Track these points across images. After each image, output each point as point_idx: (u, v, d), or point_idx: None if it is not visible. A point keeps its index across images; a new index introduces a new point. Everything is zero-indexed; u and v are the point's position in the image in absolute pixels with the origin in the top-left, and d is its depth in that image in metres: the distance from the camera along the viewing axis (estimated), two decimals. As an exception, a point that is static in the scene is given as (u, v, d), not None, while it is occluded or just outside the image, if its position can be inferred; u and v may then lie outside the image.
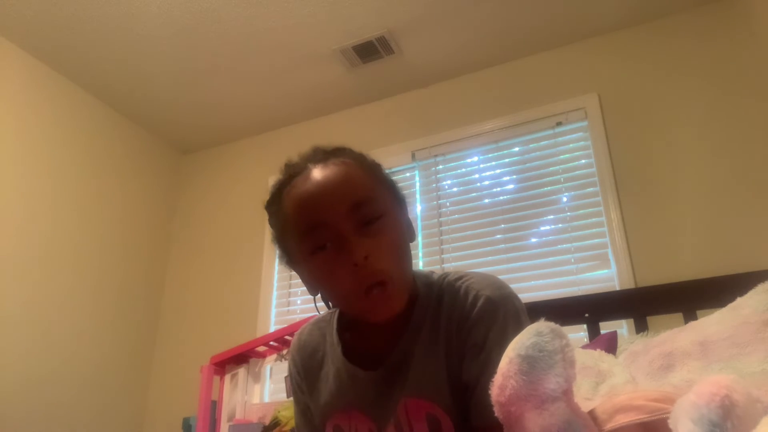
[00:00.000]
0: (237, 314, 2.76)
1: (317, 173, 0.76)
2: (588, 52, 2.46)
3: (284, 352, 2.00)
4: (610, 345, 1.52)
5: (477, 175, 2.53)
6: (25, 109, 2.46)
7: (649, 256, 2.06)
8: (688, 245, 2.01)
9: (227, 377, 2.05)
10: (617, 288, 2.05)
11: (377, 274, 0.71)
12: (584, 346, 1.54)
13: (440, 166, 2.62)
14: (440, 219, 2.51)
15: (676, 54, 2.28)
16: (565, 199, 2.30)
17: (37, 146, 2.49)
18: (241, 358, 2.04)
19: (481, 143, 2.55)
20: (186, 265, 3.05)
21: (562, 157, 2.37)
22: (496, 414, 0.58)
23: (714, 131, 2.11)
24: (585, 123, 2.36)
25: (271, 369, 2.42)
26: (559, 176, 2.34)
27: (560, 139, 2.40)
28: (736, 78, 2.13)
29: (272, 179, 0.85)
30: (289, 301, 2.71)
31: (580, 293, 2.08)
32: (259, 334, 2.54)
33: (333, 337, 0.88)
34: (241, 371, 2.02)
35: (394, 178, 0.87)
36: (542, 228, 2.31)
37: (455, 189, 2.56)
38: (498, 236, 2.37)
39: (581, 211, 2.25)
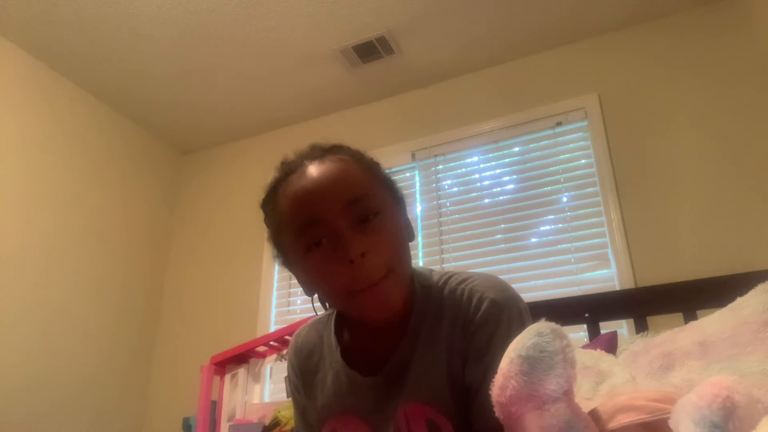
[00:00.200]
0: (237, 314, 2.76)
1: (313, 170, 0.75)
2: (588, 52, 2.46)
3: (284, 352, 2.00)
4: (610, 345, 1.52)
5: (477, 175, 2.53)
6: (25, 108, 2.46)
7: (649, 256, 2.06)
8: (688, 245, 2.01)
9: (227, 377, 2.05)
10: (617, 288, 2.05)
11: (374, 271, 0.70)
12: (584, 346, 1.54)
13: (440, 166, 2.62)
14: (440, 219, 2.51)
15: (676, 54, 2.28)
16: (565, 199, 2.30)
17: (36, 146, 2.49)
18: (241, 358, 2.04)
19: (481, 143, 2.55)
20: (186, 264, 3.05)
21: (562, 157, 2.37)
22: (496, 414, 0.58)
23: (714, 131, 2.11)
24: (585, 123, 2.36)
25: (271, 369, 2.42)
26: (559, 176, 2.34)
27: (560, 139, 2.40)
28: (736, 78, 2.13)
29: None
30: (289, 301, 2.71)
31: (580, 293, 2.08)
32: (259, 334, 2.54)
33: (330, 339, 0.87)
34: (241, 371, 2.02)
35: (394, 178, 0.85)
36: (542, 228, 2.31)
37: (455, 189, 2.56)
38: (498, 236, 2.37)
39: (581, 211, 2.25)
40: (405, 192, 0.86)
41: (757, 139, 2.03)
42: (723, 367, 1.16)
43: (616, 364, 1.34)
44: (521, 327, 0.70)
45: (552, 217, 2.29)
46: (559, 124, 2.41)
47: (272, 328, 2.62)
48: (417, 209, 2.58)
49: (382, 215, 0.74)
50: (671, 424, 0.50)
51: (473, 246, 2.41)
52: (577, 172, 2.32)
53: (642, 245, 2.08)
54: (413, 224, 0.85)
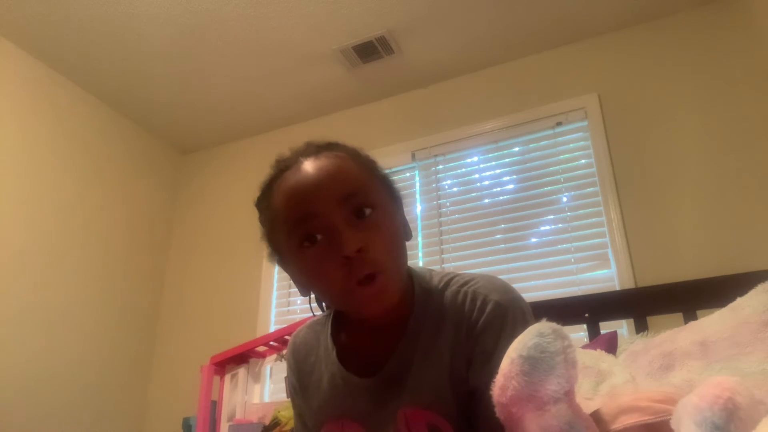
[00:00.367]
0: (237, 314, 2.75)
1: (308, 166, 0.74)
2: (588, 52, 2.46)
3: (284, 352, 2.00)
4: (610, 345, 1.52)
5: (477, 175, 2.53)
6: (25, 109, 2.46)
7: (649, 256, 2.06)
8: (688, 245, 2.01)
9: (227, 377, 2.05)
10: (617, 288, 2.05)
11: (370, 266, 0.69)
12: (584, 346, 1.54)
13: (440, 166, 2.62)
14: (440, 219, 2.51)
15: (676, 54, 2.28)
16: (565, 199, 2.30)
17: (37, 146, 2.48)
18: (241, 358, 2.04)
19: (481, 143, 2.55)
20: (186, 264, 3.05)
21: (562, 157, 2.37)
22: (497, 415, 0.57)
23: (714, 131, 2.11)
24: (585, 123, 2.36)
25: (271, 369, 2.42)
26: (559, 176, 2.34)
27: (560, 139, 2.40)
28: (736, 78, 2.13)
29: (271, 179, 0.82)
30: (289, 301, 2.70)
31: (580, 293, 2.08)
32: (259, 334, 2.54)
33: (327, 341, 0.85)
34: (241, 371, 2.02)
35: (394, 178, 0.85)
36: (542, 228, 2.31)
37: (455, 189, 2.56)
38: (498, 236, 2.37)
39: (581, 211, 2.25)
40: (405, 192, 0.86)
41: (757, 139, 2.03)
42: (723, 367, 1.16)
43: (616, 364, 1.34)
44: (525, 329, 0.69)
45: (552, 217, 2.29)
46: (559, 124, 2.41)
47: (272, 328, 2.62)
48: (417, 209, 2.58)
49: (378, 211, 0.73)
50: (672, 424, 0.50)
51: (473, 246, 2.41)
52: (577, 172, 2.32)
53: (642, 245, 2.08)
54: (413, 224, 0.85)
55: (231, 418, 1.95)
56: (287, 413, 1.66)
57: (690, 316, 1.66)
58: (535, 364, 0.53)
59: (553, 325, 0.56)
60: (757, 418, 0.45)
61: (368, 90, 2.81)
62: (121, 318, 2.75)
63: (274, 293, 2.75)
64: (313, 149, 0.78)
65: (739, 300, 1.30)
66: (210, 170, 3.21)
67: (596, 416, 0.60)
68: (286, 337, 1.92)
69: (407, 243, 0.79)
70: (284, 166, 0.77)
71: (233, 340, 2.17)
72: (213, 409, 2.01)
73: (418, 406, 0.73)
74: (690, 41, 2.26)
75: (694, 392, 0.48)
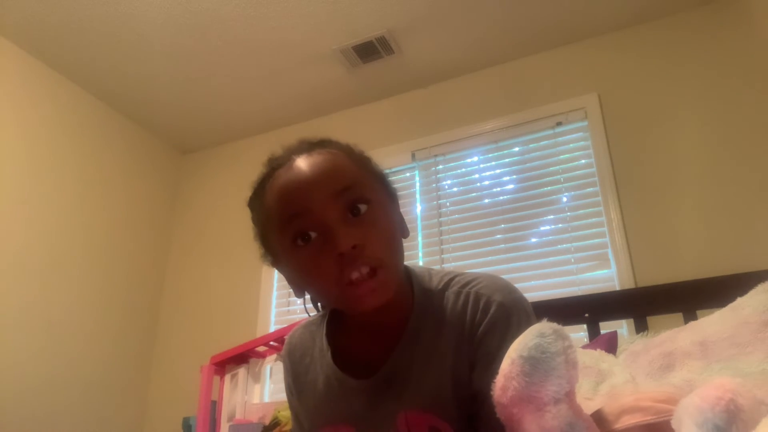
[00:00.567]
0: (237, 314, 2.75)
1: (301, 162, 0.72)
2: (588, 52, 2.46)
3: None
4: (610, 345, 1.52)
5: (477, 175, 2.53)
6: (25, 108, 2.46)
7: (649, 256, 2.06)
8: (687, 245, 2.01)
9: (227, 377, 2.05)
10: (617, 288, 2.05)
11: (365, 263, 0.67)
12: (584, 346, 1.54)
13: (440, 166, 2.62)
14: (440, 219, 2.51)
15: (676, 54, 2.28)
16: (565, 199, 2.30)
17: (36, 146, 2.48)
18: (241, 358, 2.04)
19: (481, 143, 2.55)
20: (186, 264, 3.05)
21: (562, 157, 2.37)
22: (497, 415, 0.57)
23: (714, 131, 2.11)
24: (585, 123, 2.36)
25: (271, 369, 2.42)
26: (559, 176, 2.34)
27: (560, 139, 2.40)
28: (737, 78, 2.13)
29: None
30: (289, 301, 2.70)
31: (580, 293, 2.08)
32: (259, 334, 2.54)
33: (322, 341, 0.83)
34: (241, 371, 2.02)
35: (394, 178, 0.84)
36: (542, 228, 2.31)
37: (455, 189, 2.56)
38: (498, 236, 2.37)
39: (581, 211, 2.25)
40: (405, 192, 0.85)
41: (757, 139, 2.03)
42: (723, 367, 1.16)
43: (616, 364, 1.34)
44: None
45: (552, 217, 2.29)
46: (559, 124, 2.41)
47: (272, 328, 2.62)
48: (417, 209, 2.58)
49: (373, 207, 0.71)
50: (673, 424, 0.50)
51: (473, 246, 2.41)
52: (577, 172, 2.32)
53: (642, 245, 2.08)
54: (413, 224, 0.84)
55: (231, 418, 1.95)
56: (287, 413, 1.66)
57: (690, 316, 1.66)
58: (535, 365, 0.52)
59: (554, 325, 0.56)
60: (759, 419, 0.45)
61: (368, 90, 2.81)
62: (121, 318, 2.75)
63: (274, 293, 2.75)
64: (306, 146, 0.76)
65: (739, 300, 1.30)
66: (210, 170, 3.21)
67: (598, 416, 0.60)
68: (286, 337, 1.92)
69: (404, 241, 0.77)
70: (276, 164, 0.76)
71: (233, 340, 2.17)
72: (213, 409, 2.01)
73: (418, 409, 0.72)
74: (690, 41, 2.26)
75: (696, 393, 0.48)
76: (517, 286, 0.78)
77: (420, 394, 0.72)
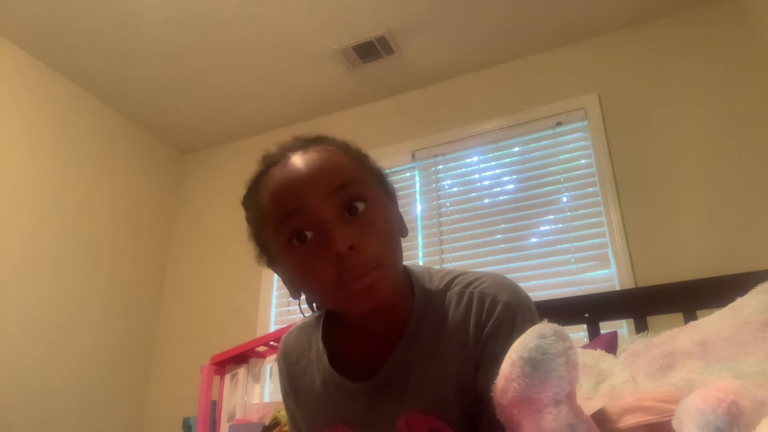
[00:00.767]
0: (237, 314, 2.75)
1: (296, 160, 0.70)
2: (588, 52, 2.46)
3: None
4: (610, 345, 1.52)
5: (477, 175, 2.53)
6: (26, 109, 2.46)
7: (649, 256, 2.06)
8: (688, 245, 2.01)
9: (227, 377, 2.05)
10: (617, 288, 2.05)
11: (363, 265, 0.64)
12: (584, 346, 1.54)
13: (440, 166, 2.62)
14: (440, 219, 2.51)
15: (676, 54, 2.28)
16: (565, 199, 2.30)
17: (36, 146, 2.48)
18: (241, 358, 2.04)
19: (481, 143, 2.55)
20: (186, 264, 3.05)
21: (562, 157, 2.37)
22: (498, 416, 0.57)
23: (714, 131, 2.11)
24: (585, 123, 2.36)
25: (271, 369, 2.42)
26: (559, 176, 2.34)
27: (560, 139, 2.40)
28: (736, 78, 2.13)
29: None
30: (288, 301, 2.70)
31: (580, 293, 2.08)
32: (259, 334, 2.54)
33: (318, 344, 0.81)
34: (241, 371, 2.02)
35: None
36: (542, 228, 2.31)
37: (455, 189, 2.56)
38: (498, 236, 2.37)
39: (581, 211, 2.25)
40: (405, 192, 0.84)
41: (757, 139, 2.03)
42: (723, 366, 1.16)
43: (616, 364, 1.34)
44: None
45: (552, 217, 2.29)
46: (559, 124, 2.41)
47: (272, 328, 2.62)
48: (417, 209, 2.57)
49: (371, 205, 0.68)
50: (674, 424, 0.49)
51: (473, 246, 2.41)
52: (577, 172, 2.32)
53: (642, 245, 2.08)
54: (413, 224, 0.82)
55: (231, 418, 1.95)
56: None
57: (690, 316, 1.66)
58: (536, 366, 0.52)
59: (555, 326, 0.55)
60: (760, 421, 0.45)
61: (368, 90, 2.81)
62: (121, 318, 2.75)
63: (274, 293, 2.75)
64: (301, 143, 0.75)
65: (739, 300, 1.31)
66: (210, 170, 3.21)
67: (601, 415, 0.59)
68: (281, 339, 1.91)
69: (404, 241, 0.75)
70: (271, 162, 0.74)
71: (233, 340, 2.17)
72: (213, 409, 2.01)
73: (418, 411, 0.70)
74: (690, 41, 2.26)
75: (697, 394, 0.48)
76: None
77: (421, 396, 0.71)
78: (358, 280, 0.65)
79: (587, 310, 1.84)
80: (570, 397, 0.53)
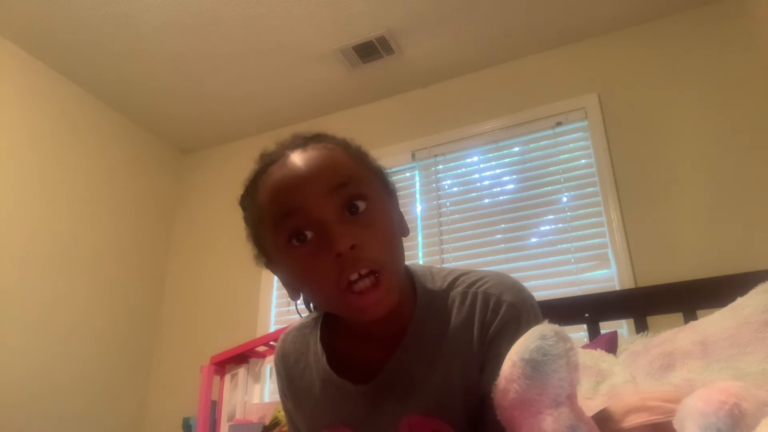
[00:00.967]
0: (237, 314, 2.75)
1: (295, 158, 0.68)
2: (588, 52, 2.46)
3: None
4: (610, 345, 1.52)
5: (477, 175, 2.53)
6: (26, 109, 2.45)
7: (649, 256, 2.06)
8: (688, 245, 2.01)
9: (227, 377, 2.05)
10: (617, 288, 2.05)
11: (365, 264, 0.63)
12: (584, 346, 1.54)
13: (440, 166, 2.62)
14: (440, 219, 2.51)
15: (676, 54, 2.28)
16: (565, 199, 2.30)
17: (36, 146, 2.48)
18: (241, 358, 2.04)
19: (481, 143, 2.55)
20: (186, 264, 3.05)
21: (562, 157, 2.37)
22: (498, 417, 0.57)
23: (714, 131, 2.11)
24: (585, 123, 2.36)
25: (270, 369, 2.42)
26: (559, 176, 2.33)
27: (560, 139, 2.40)
28: (737, 78, 2.13)
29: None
30: (288, 301, 2.70)
31: (580, 293, 2.08)
32: (259, 334, 2.54)
33: (317, 345, 0.79)
34: (241, 371, 2.02)
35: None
36: (542, 228, 2.31)
37: (455, 189, 2.56)
38: (498, 236, 2.37)
39: (581, 211, 2.25)
40: (405, 192, 0.83)
41: (756, 139, 2.03)
42: (723, 366, 1.16)
43: (617, 364, 1.34)
44: None
45: (552, 217, 2.29)
46: (559, 124, 2.41)
47: (272, 328, 2.62)
48: (417, 209, 2.57)
49: (371, 204, 0.67)
50: (675, 425, 0.49)
51: (473, 246, 2.41)
52: (577, 172, 2.32)
53: (642, 245, 2.08)
54: (413, 224, 0.82)
55: (231, 418, 1.95)
56: (287, 413, 1.66)
57: (690, 316, 1.66)
58: (537, 367, 0.52)
59: (556, 327, 0.55)
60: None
61: (368, 90, 2.80)
62: (121, 318, 2.75)
63: (274, 293, 2.75)
64: (300, 141, 0.73)
65: (739, 300, 1.31)
66: (210, 170, 3.21)
67: (604, 415, 0.59)
68: (278, 340, 1.91)
69: (404, 240, 0.74)
70: (269, 160, 0.72)
71: (233, 340, 2.17)
72: (213, 409, 2.01)
73: (421, 413, 0.69)
74: (690, 41, 2.26)
75: (699, 396, 0.48)
76: (520, 284, 0.75)
77: (423, 398, 0.70)
78: (361, 284, 0.63)
79: (587, 310, 1.84)
80: (571, 399, 0.53)
